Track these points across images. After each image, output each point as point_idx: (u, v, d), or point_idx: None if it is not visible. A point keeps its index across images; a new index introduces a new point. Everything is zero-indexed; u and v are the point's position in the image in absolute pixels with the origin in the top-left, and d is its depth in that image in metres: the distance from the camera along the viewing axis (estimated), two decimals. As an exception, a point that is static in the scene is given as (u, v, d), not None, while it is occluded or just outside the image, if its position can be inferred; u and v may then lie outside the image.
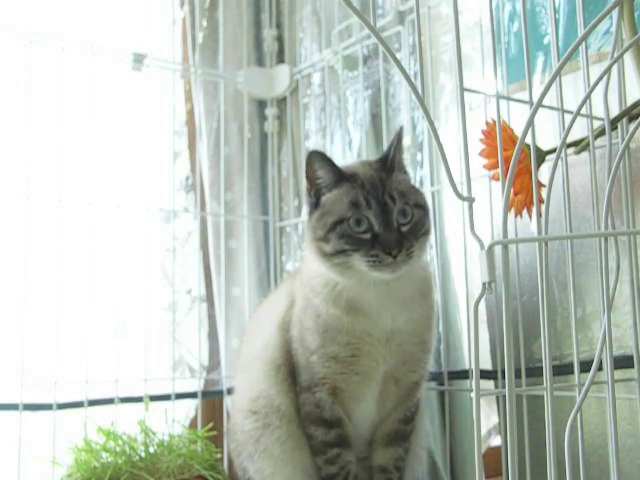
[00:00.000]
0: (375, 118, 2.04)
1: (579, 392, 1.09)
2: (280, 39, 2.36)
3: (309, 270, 1.43)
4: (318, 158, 1.36)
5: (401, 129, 1.40)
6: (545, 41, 1.65)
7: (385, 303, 1.37)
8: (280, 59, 2.35)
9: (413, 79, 1.03)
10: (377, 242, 1.29)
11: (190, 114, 2.31)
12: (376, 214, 1.30)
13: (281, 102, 2.34)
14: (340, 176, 1.36)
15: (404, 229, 1.31)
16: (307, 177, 1.38)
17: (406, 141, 1.89)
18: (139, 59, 2.03)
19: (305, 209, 1.42)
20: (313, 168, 1.36)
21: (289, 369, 1.47)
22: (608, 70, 1.12)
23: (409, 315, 1.39)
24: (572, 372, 1.22)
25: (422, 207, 1.36)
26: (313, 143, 2.19)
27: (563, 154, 1.21)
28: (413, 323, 1.40)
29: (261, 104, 2.34)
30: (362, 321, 1.36)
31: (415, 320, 1.40)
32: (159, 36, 2.16)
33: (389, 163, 1.38)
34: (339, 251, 1.30)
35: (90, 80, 1.92)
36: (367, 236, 1.30)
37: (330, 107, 2.16)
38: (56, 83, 1.86)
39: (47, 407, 1.74)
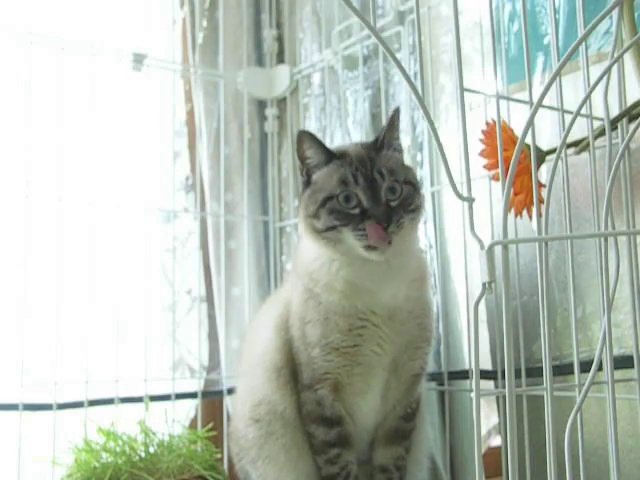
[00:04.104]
0: (375, 118, 2.04)
1: (579, 392, 1.09)
2: (280, 39, 2.36)
3: (306, 259, 1.44)
4: (307, 138, 1.39)
5: (396, 110, 1.42)
6: (545, 41, 1.65)
7: (385, 279, 1.37)
8: (280, 59, 2.35)
9: (413, 79, 1.03)
10: (366, 216, 1.30)
11: (190, 114, 2.31)
12: (364, 190, 1.32)
13: (281, 102, 2.34)
14: (329, 155, 1.39)
15: (393, 204, 1.33)
16: (298, 157, 1.41)
17: (406, 141, 1.89)
18: (139, 59, 2.02)
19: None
20: (303, 148, 1.40)
21: (291, 371, 1.46)
22: (608, 70, 1.12)
23: (408, 293, 1.40)
24: (572, 372, 1.22)
25: (412, 184, 1.37)
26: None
27: (563, 154, 1.20)
28: (412, 302, 1.40)
29: (261, 104, 2.35)
30: (364, 299, 1.37)
31: (414, 299, 1.41)
32: (159, 36, 2.16)
33: (379, 143, 1.40)
34: (329, 227, 1.33)
35: (90, 80, 1.91)
36: (356, 211, 1.32)
37: (330, 107, 2.16)
38: (56, 83, 1.85)
39: (47, 407, 1.74)
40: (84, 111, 1.91)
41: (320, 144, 1.39)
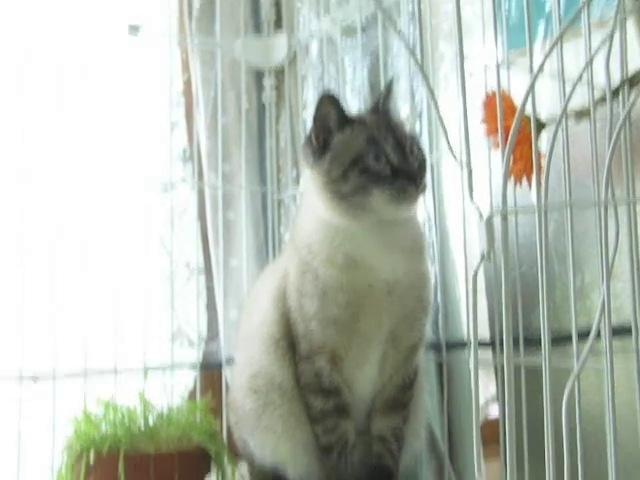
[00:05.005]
0: (374, 87, 2.02)
1: (577, 362, 1.09)
2: (278, 4, 2.33)
3: (305, 230, 1.43)
4: (331, 99, 1.36)
5: (391, 80, 1.44)
6: (546, 8, 1.63)
7: (385, 252, 1.37)
8: (278, 25, 2.32)
9: (412, 47, 1.01)
10: (400, 174, 1.30)
11: (187, 84, 2.29)
12: (393, 148, 1.32)
13: (279, 72, 2.31)
14: (348, 119, 1.38)
15: (415, 165, 1.34)
16: (317, 119, 1.37)
17: (405, 110, 1.88)
18: (135, 28, 2.00)
19: (307, 162, 1.41)
20: (326, 109, 1.36)
21: (288, 342, 1.46)
22: (610, 37, 1.10)
23: (408, 267, 1.39)
24: (570, 342, 1.22)
25: (421, 149, 1.39)
26: (311, 113, 2.17)
27: (563, 123, 1.19)
28: (412, 275, 1.40)
29: (259, 75, 2.32)
30: (363, 274, 1.36)
31: (414, 272, 1.40)
32: (155, 4, 2.13)
33: (386, 108, 1.42)
34: (359, 188, 1.30)
35: (85, 50, 1.89)
36: (387, 170, 1.31)
37: (328, 77, 2.13)
38: (52, 53, 1.83)
39: (46, 378, 1.74)
40: (80, 82, 1.89)
41: (342, 107, 1.37)
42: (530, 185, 1.40)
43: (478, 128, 1.43)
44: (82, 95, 1.90)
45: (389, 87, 1.44)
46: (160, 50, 2.09)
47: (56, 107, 1.83)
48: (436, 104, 0.99)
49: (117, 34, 1.99)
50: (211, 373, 2.10)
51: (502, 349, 0.97)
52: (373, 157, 1.31)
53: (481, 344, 1.67)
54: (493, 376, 1.70)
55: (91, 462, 1.42)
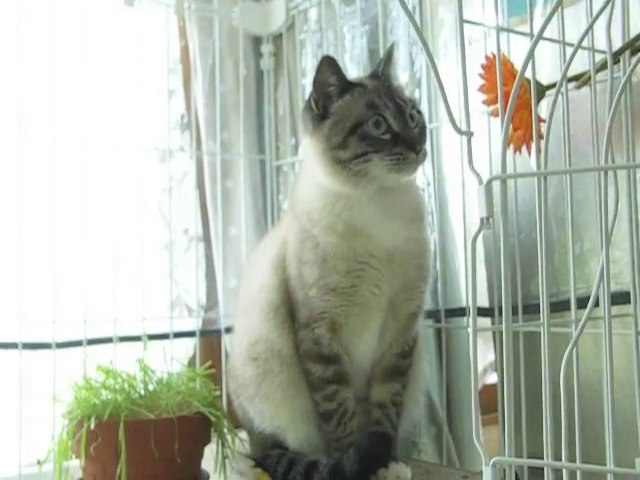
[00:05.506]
0: (373, 54, 2.01)
1: (575, 328, 1.09)
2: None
3: (305, 198, 1.42)
4: (331, 64, 1.35)
5: (392, 46, 1.43)
6: (547, -27, 1.60)
7: (385, 220, 1.37)
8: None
9: (412, 14, 1.00)
10: (400, 140, 1.30)
11: (184, 51, 2.26)
12: (393, 114, 1.31)
13: (277, 39, 2.29)
14: (348, 84, 1.37)
15: (415, 131, 1.33)
16: (316, 84, 1.37)
17: (404, 78, 1.86)
18: (131, -2, 1.97)
19: (306, 128, 1.40)
20: (326, 74, 1.35)
21: (288, 309, 1.46)
22: (611, 0, 1.09)
23: (408, 235, 1.39)
24: (569, 309, 1.22)
25: (421, 114, 1.39)
26: (310, 80, 2.15)
27: (563, 89, 1.18)
28: (412, 243, 1.40)
29: (257, 41, 2.30)
30: (363, 242, 1.36)
31: (414, 240, 1.41)
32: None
33: (386, 74, 1.41)
34: (359, 154, 1.30)
35: (82, 17, 1.87)
36: (387, 137, 1.30)
37: (327, 44, 2.12)
38: (47, 18, 1.81)
39: (46, 346, 1.75)
40: (76, 49, 1.86)
41: (342, 72, 1.37)
42: (530, 153, 1.39)
43: (477, 96, 1.42)
44: (80, 60, 1.87)
45: (390, 53, 1.43)
46: (157, 17, 2.06)
47: (54, 74, 1.81)
48: (436, 69, 0.98)
49: (114, 0, 1.96)
50: (210, 340, 2.11)
51: (501, 314, 0.98)
52: (373, 123, 1.30)
53: (480, 311, 1.68)
54: (491, 344, 1.71)
55: (92, 428, 1.42)
